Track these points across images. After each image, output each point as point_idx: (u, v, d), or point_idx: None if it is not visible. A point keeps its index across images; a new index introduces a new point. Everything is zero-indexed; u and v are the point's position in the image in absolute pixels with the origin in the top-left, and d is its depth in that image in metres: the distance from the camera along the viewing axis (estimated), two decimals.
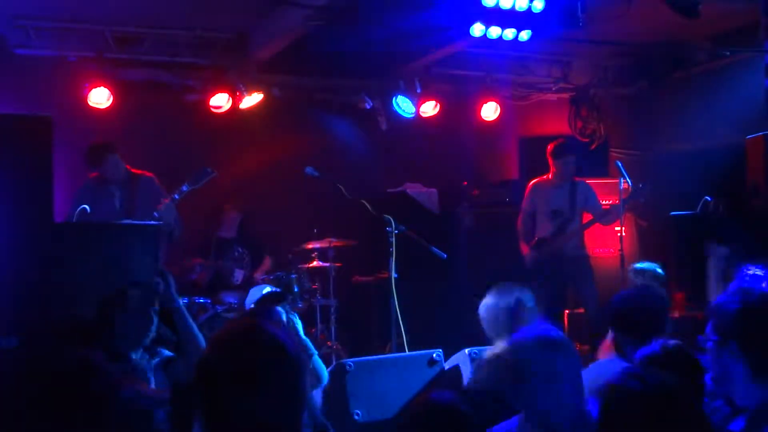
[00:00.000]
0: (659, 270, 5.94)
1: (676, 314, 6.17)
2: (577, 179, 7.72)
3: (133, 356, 4.27)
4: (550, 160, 7.64)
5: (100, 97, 7.44)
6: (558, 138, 8.02)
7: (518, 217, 7.84)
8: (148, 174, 6.87)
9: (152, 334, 4.33)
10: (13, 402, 2.17)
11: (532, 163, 8.81)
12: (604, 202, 7.91)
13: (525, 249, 7.71)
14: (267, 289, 6.78)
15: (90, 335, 4.34)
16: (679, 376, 2.94)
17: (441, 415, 2.72)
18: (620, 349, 4.05)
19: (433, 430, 2.70)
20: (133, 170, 6.80)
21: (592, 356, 5.18)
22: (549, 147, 7.69)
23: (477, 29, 6.06)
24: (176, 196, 6.45)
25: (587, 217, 7.71)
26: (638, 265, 6.03)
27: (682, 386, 2.25)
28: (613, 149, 9.33)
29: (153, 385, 4.24)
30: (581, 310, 7.92)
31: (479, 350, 5.00)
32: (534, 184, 7.81)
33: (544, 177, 7.76)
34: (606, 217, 7.60)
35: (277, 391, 2.11)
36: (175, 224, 6.56)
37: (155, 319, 4.36)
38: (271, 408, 2.10)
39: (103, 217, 6.44)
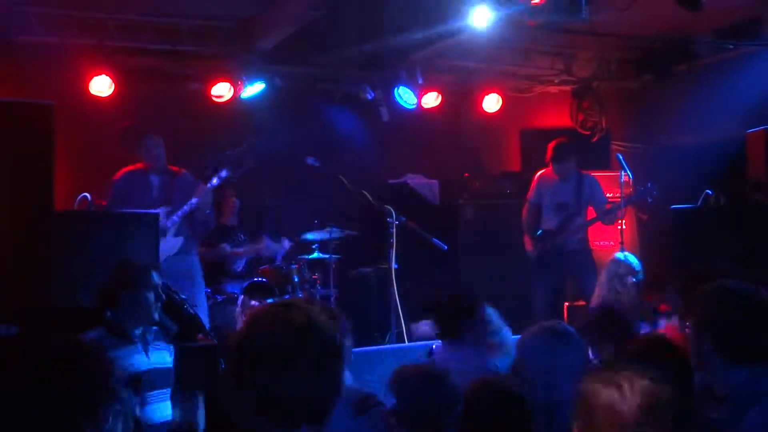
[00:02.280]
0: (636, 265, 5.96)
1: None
2: (584, 172, 7.70)
3: (135, 332, 4.35)
4: (550, 164, 7.63)
5: (101, 85, 7.44)
6: (559, 136, 7.96)
7: (523, 208, 7.82)
8: (183, 170, 6.87)
9: (155, 314, 4.40)
10: (9, 389, 2.17)
11: (534, 156, 8.80)
12: (607, 195, 7.91)
13: (528, 241, 7.69)
14: None
15: (90, 320, 4.38)
16: (664, 369, 2.98)
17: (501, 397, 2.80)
18: None
19: (495, 412, 2.78)
20: (170, 166, 6.82)
21: None
22: (548, 150, 7.65)
23: (482, 15, 6.03)
24: (215, 182, 6.46)
25: (591, 212, 7.69)
26: (618, 255, 6.08)
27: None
28: (614, 142, 9.31)
29: (151, 356, 4.34)
30: (581, 303, 7.92)
31: None
32: (541, 175, 7.78)
33: (551, 169, 7.73)
34: (608, 216, 7.58)
35: (309, 372, 2.12)
36: (210, 213, 6.60)
37: (157, 300, 4.42)
38: (303, 388, 2.11)
39: (142, 206, 6.46)
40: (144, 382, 4.25)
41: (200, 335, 5.52)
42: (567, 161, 7.58)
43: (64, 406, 2.13)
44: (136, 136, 6.65)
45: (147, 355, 4.34)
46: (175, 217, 6.54)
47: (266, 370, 2.12)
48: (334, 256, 7.68)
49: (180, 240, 6.66)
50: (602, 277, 6.08)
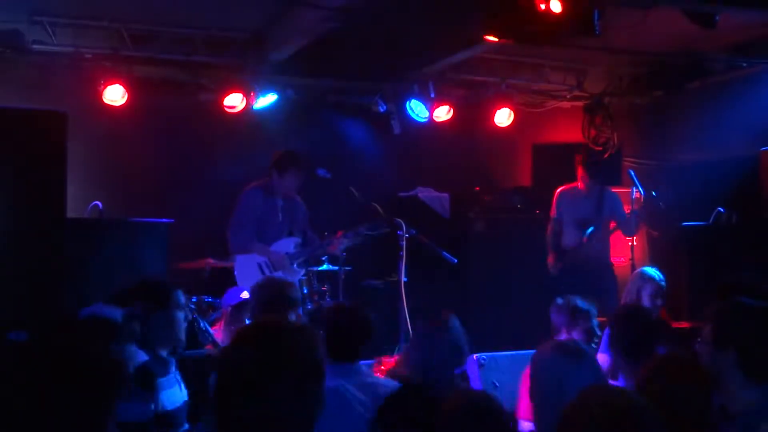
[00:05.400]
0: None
1: (686, 325, 6.13)
2: (605, 188, 7.65)
3: (162, 353, 4.14)
4: (581, 169, 7.56)
5: (115, 94, 7.47)
6: (571, 151, 7.94)
7: (547, 227, 7.77)
8: (297, 197, 7.23)
9: (183, 337, 4.23)
10: (23, 393, 2.18)
11: (545, 170, 8.78)
12: None
13: (551, 259, 7.64)
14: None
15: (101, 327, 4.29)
16: (685, 386, 2.96)
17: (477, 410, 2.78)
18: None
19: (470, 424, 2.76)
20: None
21: None
22: (579, 156, 7.60)
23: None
24: (350, 236, 6.82)
25: (612, 226, 7.64)
26: (648, 271, 5.94)
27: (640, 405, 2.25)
28: (626, 158, 9.29)
29: (180, 385, 4.14)
30: (602, 319, 7.90)
31: (487, 356, 5.00)
32: (561, 192, 7.74)
33: (571, 185, 7.69)
34: (627, 225, 7.50)
35: (289, 392, 2.12)
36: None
37: (185, 323, 4.27)
38: (283, 409, 2.11)
39: (269, 227, 6.86)
40: (179, 420, 4.01)
41: (209, 345, 5.52)
42: (599, 170, 7.53)
43: (78, 407, 2.14)
44: (294, 163, 6.93)
45: (180, 386, 4.11)
46: (306, 252, 6.96)
47: (243, 393, 2.12)
48: (343, 267, 7.67)
49: (302, 271, 6.98)
50: (629, 290, 5.92)
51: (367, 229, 6.77)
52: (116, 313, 4.14)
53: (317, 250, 6.98)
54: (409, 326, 6.26)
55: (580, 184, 7.63)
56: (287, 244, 6.97)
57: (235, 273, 6.81)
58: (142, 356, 4.04)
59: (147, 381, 3.81)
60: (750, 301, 3.03)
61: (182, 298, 4.27)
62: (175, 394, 4.03)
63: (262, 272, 6.72)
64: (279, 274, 6.71)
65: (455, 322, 4.04)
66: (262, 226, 6.92)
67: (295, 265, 6.87)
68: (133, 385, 3.70)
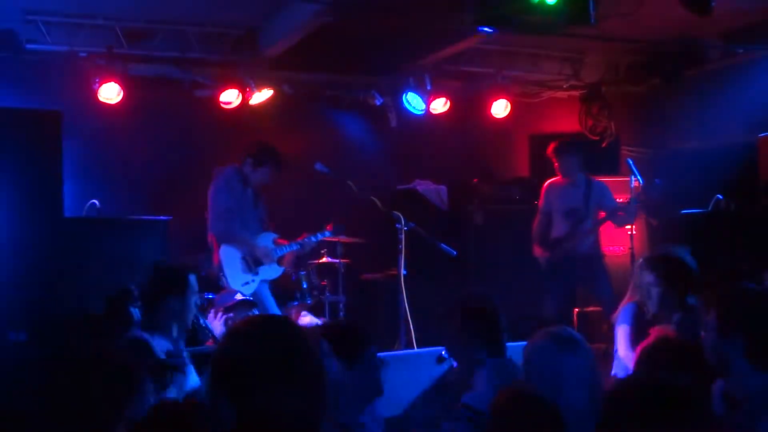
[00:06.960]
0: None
1: None
2: (593, 178, 7.63)
3: (170, 340, 4.04)
4: (556, 167, 7.55)
5: (110, 93, 7.44)
6: (563, 137, 7.90)
7: (534, 218, 7.75)
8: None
9: (190, 323, 4.20)
10: (28, 393, 2.19)
11: (543, 161, 8.75)
12: (618, 201, 7.86)
13: (538, 251, 7.61)
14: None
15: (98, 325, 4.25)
16: (684, 371, 2.95)
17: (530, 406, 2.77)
18: None
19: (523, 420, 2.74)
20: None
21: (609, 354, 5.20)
22: (549, 149, 7.58)
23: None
24: (318, 236, 6.93)
25: (602, 216, 7.61)
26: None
27: (686, 388, 2.21)
28: (624, 147, 9.28)
29: (190, 374, 4.05)
30: (590, 309, 7.89)
31: None
32: (549, 184, 7.70)
33: (559, 176, 7.67)
34: (619, 217, 7.46)
35: (295, 383, 2.11)
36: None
37: (196, 309, 4.24)
38: (290, 400, 2.10)
39: (247, 218, 6.69)
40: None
41: (209, 342, 5.52)
42: (569, 156, 7.47)
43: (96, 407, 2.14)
44: (274, 160, 6.81)
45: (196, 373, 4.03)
46: (284, 249, 6.83)
47: (245, 389, 2.11)
48: (342, 262, 7.67)
49: (282, 269, 6.86)
50: (634, 282, 5.82)
51: (330, 234, 6.95)
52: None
53: (295, 247, 6.86)
54: (410, 320, 6.26)
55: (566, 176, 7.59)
56: (267, 239, 6.79)
57: (223, 267, 6.61)
58: (164, 345, 3.95)
59: (160, 377, 3.63)
60: (755, 287, 3.02)
61: (196, 284, 4.18)
62: (193, 382, 3.97)
63: (248, 267, 6.64)
64: (263, 268, 6.66)
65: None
66: (240, 214, 6.67)
67: (274, 264, 6.75)
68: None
